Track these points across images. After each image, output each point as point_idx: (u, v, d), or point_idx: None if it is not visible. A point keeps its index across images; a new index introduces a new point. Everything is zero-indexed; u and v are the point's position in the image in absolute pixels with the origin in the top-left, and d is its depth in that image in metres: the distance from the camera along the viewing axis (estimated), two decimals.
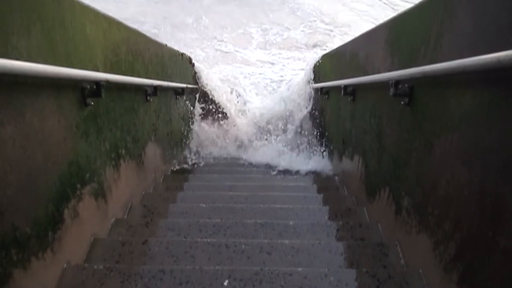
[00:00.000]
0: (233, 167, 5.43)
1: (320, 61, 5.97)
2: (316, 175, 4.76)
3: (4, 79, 1.43)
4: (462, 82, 1.71)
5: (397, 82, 2.31)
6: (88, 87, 2.27)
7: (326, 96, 5.19)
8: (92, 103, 2.34)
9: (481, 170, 1.54)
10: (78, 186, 2.23)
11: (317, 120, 6.00)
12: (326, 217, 3.04)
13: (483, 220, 1.51)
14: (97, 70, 2.46)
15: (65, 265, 2.06)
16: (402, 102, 2.31)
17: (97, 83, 2.31)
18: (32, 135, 1.73)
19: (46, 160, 1.86)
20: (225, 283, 2.01)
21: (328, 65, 5.48)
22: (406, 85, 2.27)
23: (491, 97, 1.49)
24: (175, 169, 4.95)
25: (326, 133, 5.33)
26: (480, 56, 1.38)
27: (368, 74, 3.22)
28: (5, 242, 1.55)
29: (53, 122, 1.92)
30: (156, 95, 3.89)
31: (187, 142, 6.23)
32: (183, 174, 4.64)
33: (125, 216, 3.01)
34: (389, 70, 2.63)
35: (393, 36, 2.61)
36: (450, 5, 1.84)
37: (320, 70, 6.00)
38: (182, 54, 6.01)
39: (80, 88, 2.23)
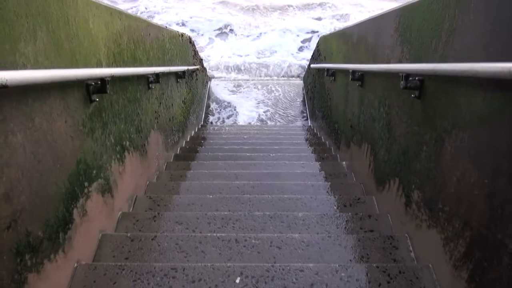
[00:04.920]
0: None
1: (325, 40, 5.90)
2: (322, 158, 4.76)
3: (14, 90, 1.40)
4: (473, 83, 1.68)
5: (408, 75, 2.28)
6: (93, 83, 2.23)
7: (333, 78, 5.14)
8: (97, 99, 2.30)
9: (491, 171, 1.53)
10: (86, 184, 2.21)
11: (322, 100, 5.98)
12: (335, 207, 3.04)
13: (492, 221, 1.51)
14: (101, 64, 2.41)
15: (75, 264, 2.06)
16: (412, 95, 2.28)
17: (102, 79, 2.26)
18: (41, 140, 1.70)
19: (55, 162, 1.84)
20: (237, 281, 2.02)
21: (335, 46, 5.42)
22: (416, 78, 2.24)
23: (502, 101, 1.47)
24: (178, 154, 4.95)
25: (332, 115, 5.30)
26: (492, 63, 1.37)
27: (376, 60, 3.18)
28: (20, 248, 1.55)
29: (60, 123, 1.89)
30: (158, 82, 3.85)
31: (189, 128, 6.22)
32: (186, 160, 4.61)
33: (131, 209, 3.00)
34: (399, 60, 2.59)
35: (403, 25, 2.56)
36: (462, 3, 1.80)
37: (326, 49, 5.95)
38: (182, 35, 5.92)
39: (85, 85, 2.19)
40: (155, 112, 3.96)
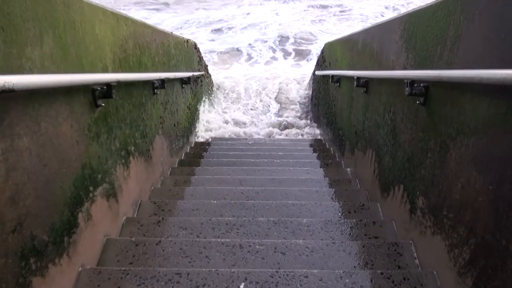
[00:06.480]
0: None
1: (330, 46, 5.92)
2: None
3: (20, 94, 1.41)
4: (478, 89, 1.68)
5: (413, 81, 2.28)
6: (99, 88, 2.25)
7: (337, 84, 5.14)
8: (103, 103, 2.32)
9: (496, 178, 1.53)
10: (91, 188, 2.22)
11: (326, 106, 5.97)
12: (339, 214, 3.03)
13: (497, 228, 1.50)
14: (107, 69, 2.43)
15: (80, 268, 2.07)
16: (417, 102, 2.28)
17: (108, 84, 2.28)
18: (47, 144, 1.72)
19: (60, 166, 1.85)
20: (241, 286, 2.01)
21: (339, 52, 5.43)
22: (421, 84, 2.24)
23: (507, 107, 1.47)
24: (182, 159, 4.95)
25: (337, 122, 5.29)
26: (497, 70, 1.37)
27: (381, 66, 3.18)
28: (25, 252, 1.55)
29: (66, 128, 1.90)
30: (163, 88, 3.86)
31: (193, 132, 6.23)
32: (191, 166, 4.62)
33: (135, 214, 3.01)
34: (404, 66, 2.60)
35: (408, 32, 2.56)
36: (467, 10, 1.81)
37: (331, 56, 5.95)
38: (187, 41, 5.94)
39: (91, 89, 2.20)
40: (160, 117, 3.98)
